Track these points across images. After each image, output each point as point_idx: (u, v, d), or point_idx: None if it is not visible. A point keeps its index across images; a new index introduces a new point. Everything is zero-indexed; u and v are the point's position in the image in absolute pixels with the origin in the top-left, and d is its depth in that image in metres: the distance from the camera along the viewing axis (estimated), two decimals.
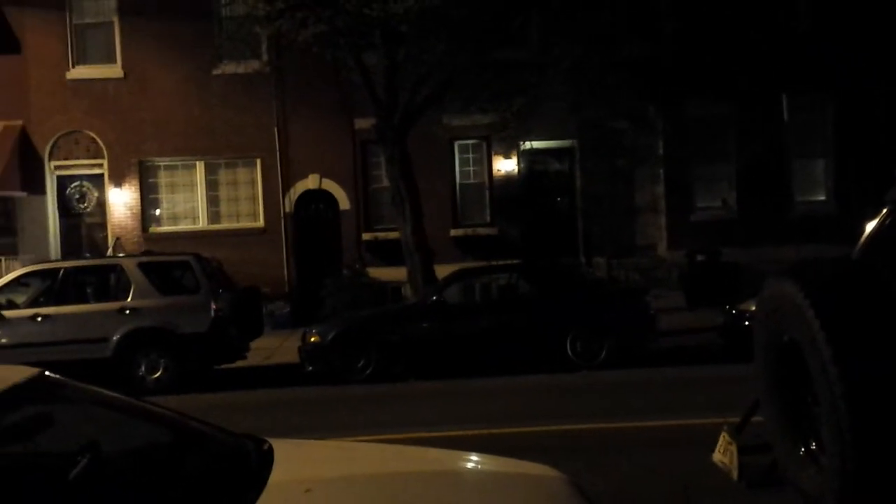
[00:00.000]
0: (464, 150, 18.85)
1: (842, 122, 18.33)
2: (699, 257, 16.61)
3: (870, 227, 4.40)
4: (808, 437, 3.86)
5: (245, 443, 3.34)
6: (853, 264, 3.96)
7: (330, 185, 18.51)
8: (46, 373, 3.29)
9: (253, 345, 13.05)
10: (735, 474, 5.75)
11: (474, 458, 3.57)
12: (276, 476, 2.97)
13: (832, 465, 3.46)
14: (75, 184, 18.55)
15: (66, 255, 17.68)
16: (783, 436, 4.13)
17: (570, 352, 11.67)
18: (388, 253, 17.50)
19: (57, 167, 18.39)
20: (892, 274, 3.80)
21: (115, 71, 18.29)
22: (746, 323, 10.00)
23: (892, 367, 3.25)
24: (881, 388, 3.24)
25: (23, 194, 18.06)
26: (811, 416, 3.78)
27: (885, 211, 4.38)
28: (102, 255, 17.04)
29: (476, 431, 7.87)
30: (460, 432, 7.81)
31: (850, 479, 3.34)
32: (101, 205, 18.51)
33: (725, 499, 5.55)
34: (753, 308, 5.99)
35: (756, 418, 5.54)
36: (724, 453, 5.95)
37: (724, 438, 5.98)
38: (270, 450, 3.24)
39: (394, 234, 16.43)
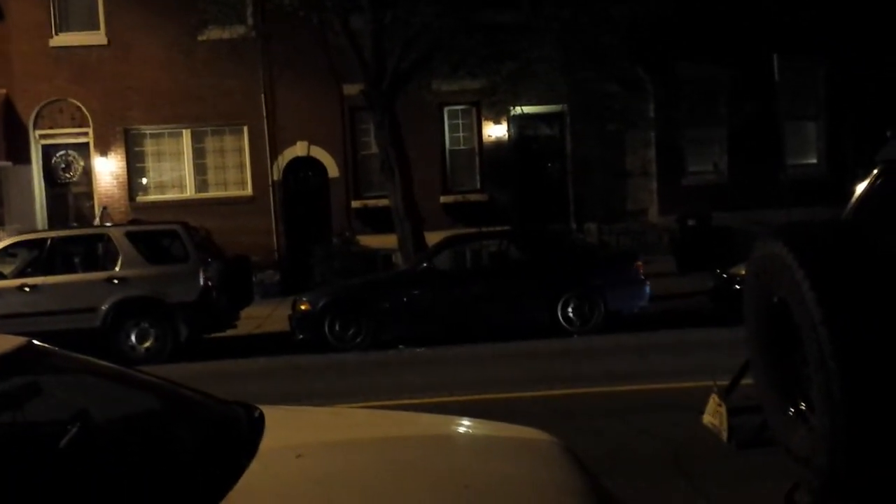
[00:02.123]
0: (453, 115, 18.73)
1: (833, 83, 18.28)
2: (690, 222, 16.63)
3: (860, 187, 4.39)
4: (797, 398, 3.87)
5: (236, 409, 3.33)
6: (843, 225, 3.95)
7: (318, 153, 18.39)
8: (34, 342, 3.26)
9: (243, 314, 13.04)
10: (725, 436, 5.80)
11: (466, 422, 3.57)
12: (267, 442, 2.96)
13: (821, 425, 3.48)
14: (61, 153, 18.38)
15: (52, 224, 17.57)
16: (773, 397, 4.15)
17: (560, 317, 11.71)
18: (377, 220, 17.45)
19: (42, 136, 18.20)
20: (881, 234, 3.79)
21: (98, 38, 18.04)
22: (736, 287, 10.03)
23: (882, 327, 3.26)
24: (870, 348, 3.25)
25: (8, 164, 17.88)
26: (801, 376, 3.80)
27: (875, 171, 4.37)
28: (89, 224, 16.94)
29: (467, 397, 7.90)
30: (452, 398, 7.84)
31: (840, 440, 3.36)
32: (88, 174, 18.36)
33: (716, 461, 5.60)
34: (743, 271, 6.00)
35: (746, 380, 5.57)
36: (713, 415, 6.00)
37: (713, 400, 6.03)
38: (261, 416, 3.23)
39: (383, 202, 16.37)
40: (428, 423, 3.61)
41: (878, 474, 3.40)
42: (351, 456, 3.01)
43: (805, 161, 18.68)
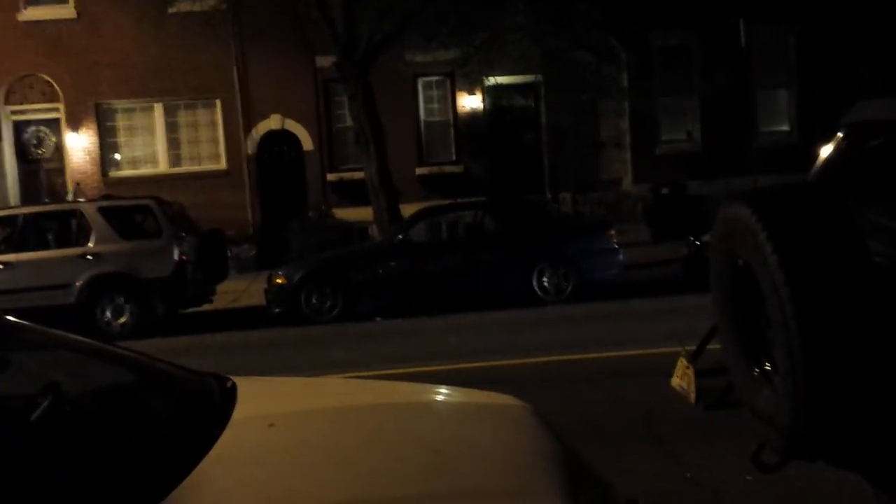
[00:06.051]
0: (427, 86, 18.66)
1: (804, 51, 18.37)
2: (664, 191, 16.73)
3: (824, 151, 4.44)
4: (761, 360, 3.94)
5: (208, 381, 3.34)
6: (807, 188, 4.00)
7: (293, 126, 18.27)
8: (7, 317, 3.25)
9: (219, 288, 13.00)
10: (692, 398, 5.91)
11: (440, 389, 3.61)
12: (239, 412, 2.98)
13: (784, 385, 3.54)
14: (32, 129, 18.13)
15: (25, 201, 17.37)
16: (738, 359, 4.22)
17: (536, 287, 11.78)
18: (353, 193, 17.40)
19: (13, 112, 17.94)
20: (845, 197, 3.85)
21: (67, 11, 17.75)
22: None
23: (843, 287, 3.31)
24: (831, 309, 3.31)
25: None
26: (765, 338, 3.86)
27: (840, 134, 4.41)
28: (62, 200, 16.77)
29: (443, 367, 7.95)
30: (427, 368, 7.90)
31: (802, 399, 3.43)
32: (60, 150, 18.14)
33: (686, 424, 5.71)
34: None
35: (713, 345, 5.66)
36: (681, 378, 6.11)
37: (681, 363, 6.13)
38: (234, 387, 3.25)
39: (359, 174, 16.31)
40: (401, 390, 3.65)
41: (839, 433, 3.48)
42: (323, 424, 3.04)
43: (777, 129, 18.82)
